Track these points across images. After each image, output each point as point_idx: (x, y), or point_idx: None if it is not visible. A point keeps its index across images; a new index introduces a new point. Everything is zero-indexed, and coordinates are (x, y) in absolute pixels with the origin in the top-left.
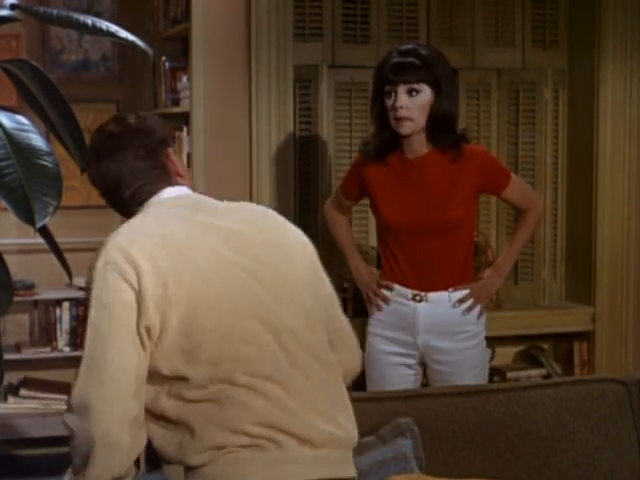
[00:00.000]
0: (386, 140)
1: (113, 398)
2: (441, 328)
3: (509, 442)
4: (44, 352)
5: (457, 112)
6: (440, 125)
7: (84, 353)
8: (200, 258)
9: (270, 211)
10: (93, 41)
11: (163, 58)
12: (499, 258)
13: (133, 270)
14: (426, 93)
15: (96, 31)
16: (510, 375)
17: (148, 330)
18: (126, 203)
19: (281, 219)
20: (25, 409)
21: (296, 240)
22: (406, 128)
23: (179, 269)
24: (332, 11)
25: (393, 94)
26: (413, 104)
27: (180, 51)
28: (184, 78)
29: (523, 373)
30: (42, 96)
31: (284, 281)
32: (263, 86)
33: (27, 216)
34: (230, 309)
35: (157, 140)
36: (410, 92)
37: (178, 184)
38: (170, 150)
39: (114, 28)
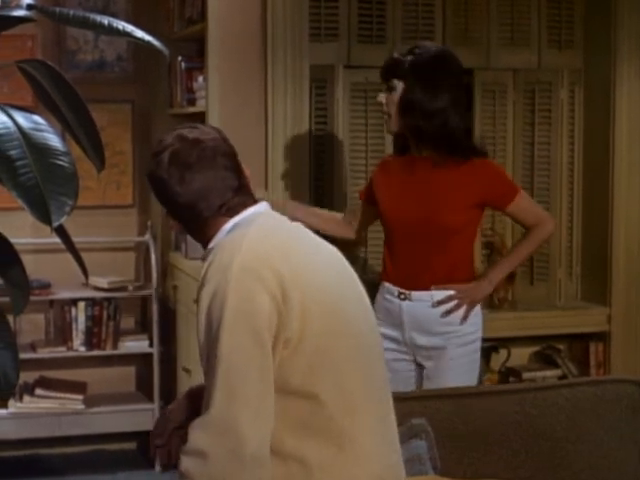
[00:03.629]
0: (396, 137)
1: (261, 413)
2: (424, 326)
3: (524, 443)
4: (59, 352)
5: (438, 107)
6: (411, 117)
7: (217, 368)
8: (322, 274)
9: None
10: (109, 41)
11: (179, 58)
12: (493, 267)
13: (275, 278)
14: (399, 90)
15: (112, 31)
16: (526, 375)
17: (287, 342)
18: (213, 214)
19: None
20: (40, 408)
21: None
22: (388, 125)
23: (308, 281)
24: (348, 11)
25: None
26: (389, 100)
27: (196, 51)
28: (200, 78)
29: (539, 374)
30: (58, 96)
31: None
32: (279, 86)
33: (43, 215)
34: (356, 329)
35: (235, 151)
36: (389, 89)
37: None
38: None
39: (130, 28)
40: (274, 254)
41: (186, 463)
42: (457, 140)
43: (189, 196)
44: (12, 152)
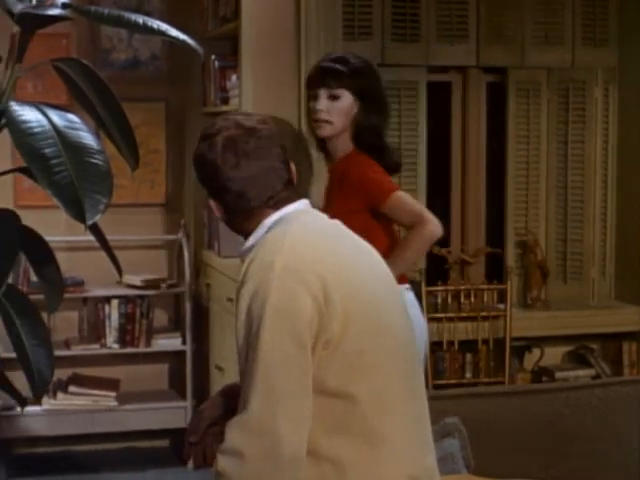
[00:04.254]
0: (321, 142)
1: (299, 414)
2: None
3: (556, 443)
4: (93, 349)
5: (383, 124)
6: (365, 136)
7: (257, 367)
8: (361, 273)
9: None
10: (143, 40)
11: (212, 57)
12: None
13: (318, 280)
14: (347, 99)
15: (147, 30)
16: (559, 375)
17: (327, 343)
18: (260, 204)
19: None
20: (73, 405)
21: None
22: (324, 130)
23: (349, 281)
24: (382, 9)
25: (316, 97)
26: (333, 108)
27: (229, 50)
28: (233, 77)
29: (571, 373)
30: (93, 94)
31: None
32: None
33: (78, 213)
34: (391, 332)
35: (285, 144)
36: (331, 97)
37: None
38: None
39: (165, 27)
40: (316, 255)
41: (223, 462)
42: (386, 150)
43: (241, 183)
44: (47, 150)
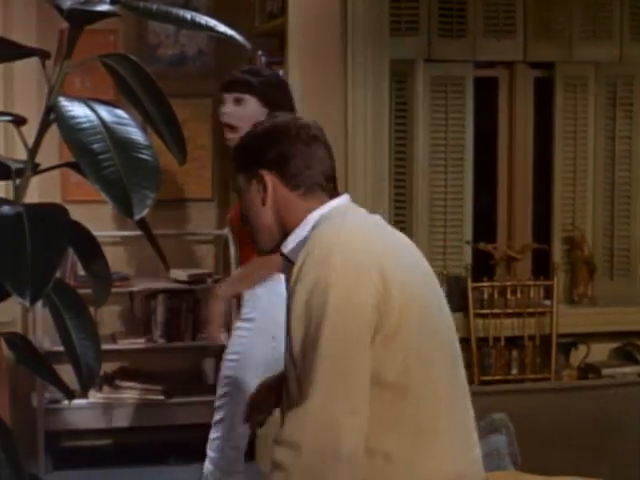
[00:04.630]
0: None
1: (359, 410)
2: None
3: (603, 440)
4: (139, 343)
5: None
6: None
7: (317, 363)
8: (413, 269)
9: None
10: (190, 36)
11: (259, 53)
12: (226, 279)
13: (377, 273)
14: (251, 104)
15: (195, 26)
16: (605, 372)
17: (385, 337)
18: (311, 187)
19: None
20: (120, 399)
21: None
22: (227, 135)
23: (405, 276)
24: (428, 4)
25: (224, 102)
26: (238, 112)
27: (276, 46)
28: (280, 72)
29: (618, 370)
30: (140, 90)
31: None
32: (359, 80)
33: (126, 209)
34: (442, 326)
35: None
36: (237, 101)
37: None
38: None
39: (213, 22)
40: (373, 250)
41: (280, 454)
42: None
43: (308, 158)
44: (96, 146)
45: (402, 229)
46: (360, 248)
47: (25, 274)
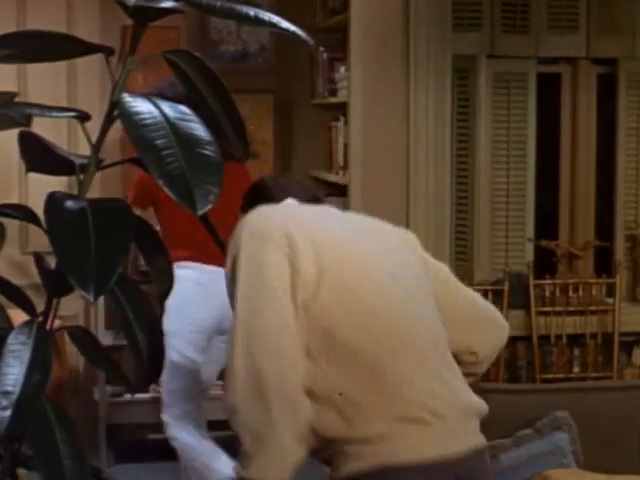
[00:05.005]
0: None
1: (276, 352)
2: None
3: None
4: None
5: None
6: None
7: (237, 322)
8: (340, 234)
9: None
10: (251, 32)
11: (321, 49)
12: None
13: (284, 236)
14: None
15: (258, 22)
16: None
17: (305, 303)
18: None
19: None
20: None
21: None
22: None
23: (331, 246)
24: (491, 0)
25: None
26: None
27: (338, 42)
28: (341, 69)
29: None
30: (203, 86)
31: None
32: (421, 76)
33: (189, 204)
34: (377, 292)
35: None
36: None
37: None
38: None
39: (276, 19)
40: (283, 219)
41: (231, 422)
42: None
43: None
44: (159, 142)
45: (463, 226)
46: (267, 219)
47: (89, 269)
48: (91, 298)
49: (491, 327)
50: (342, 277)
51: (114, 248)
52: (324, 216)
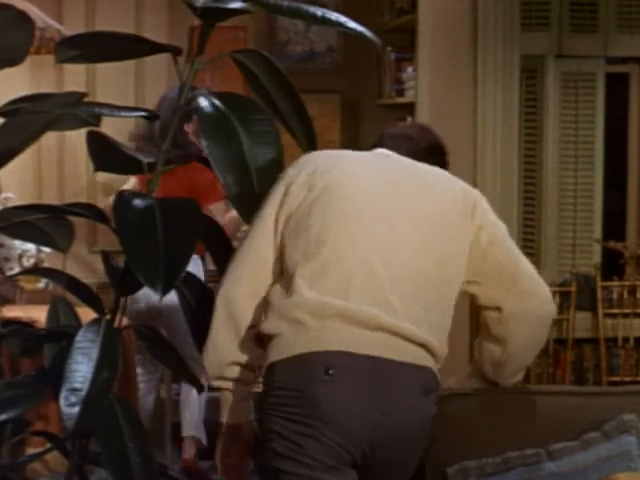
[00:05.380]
0: None
1: (241, 269)
2: None
3: None
4: None
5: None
6: None
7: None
8: (350, 170)
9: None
10: (319, 33)
11: (388, 49)
12: None
13: (295, 171)
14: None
15: (326, 22)
16: None
17: (287, 218)
18: None
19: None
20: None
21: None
22: None
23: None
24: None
25: None
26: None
27: (405, 42)
28: (409, 69)
29: None
30: (271, 85)
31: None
32: (489, 77)
33: (250, 202)
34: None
35: None
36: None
37: None
38: None
39: (343, 19)
40: (308, 160)
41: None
42: None
43: None
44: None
45: (531, 226)
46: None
47: (157, 266)
48: (159, 295)
49: (527, 292)
50: (329, 199)
51: (182, 246)
52: (358, 163)
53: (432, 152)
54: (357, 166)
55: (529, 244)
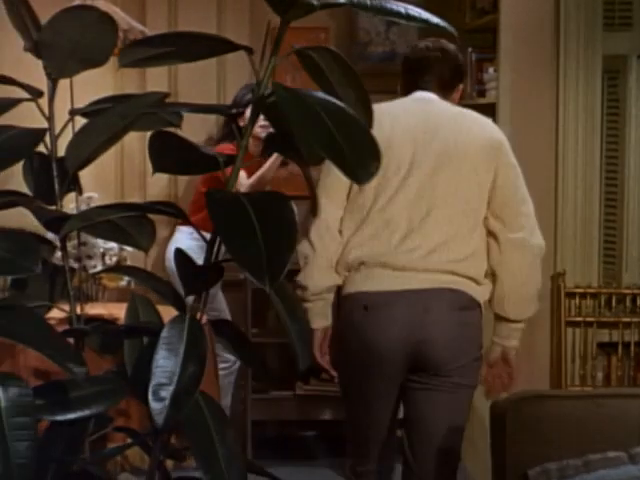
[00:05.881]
0: None
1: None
2: None
3: None
4: None
5: None
6: None
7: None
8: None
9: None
10: (400, 33)
11: (469, 49)
12: None
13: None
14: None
15: (409, 18)
16: None
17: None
18: None
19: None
20: (325, 392)
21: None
22: (258, 149)
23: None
24: None
25: None
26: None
27: (486, 42)
28: (490, 69)
29: None
30: (339, 83)
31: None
32: (570, 77)
33: (352, 175)
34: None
35: None
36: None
37: None
38: None
39: (426, 15)
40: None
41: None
42: None
43: None
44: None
45: (612, 228)
46: None
47: (261, 260)
48: (267, 288)
49: (521, 226)
50: None
51: (282, 238)
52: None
53: (455, 75)
54: (398, 121)
55: (610, 245)
